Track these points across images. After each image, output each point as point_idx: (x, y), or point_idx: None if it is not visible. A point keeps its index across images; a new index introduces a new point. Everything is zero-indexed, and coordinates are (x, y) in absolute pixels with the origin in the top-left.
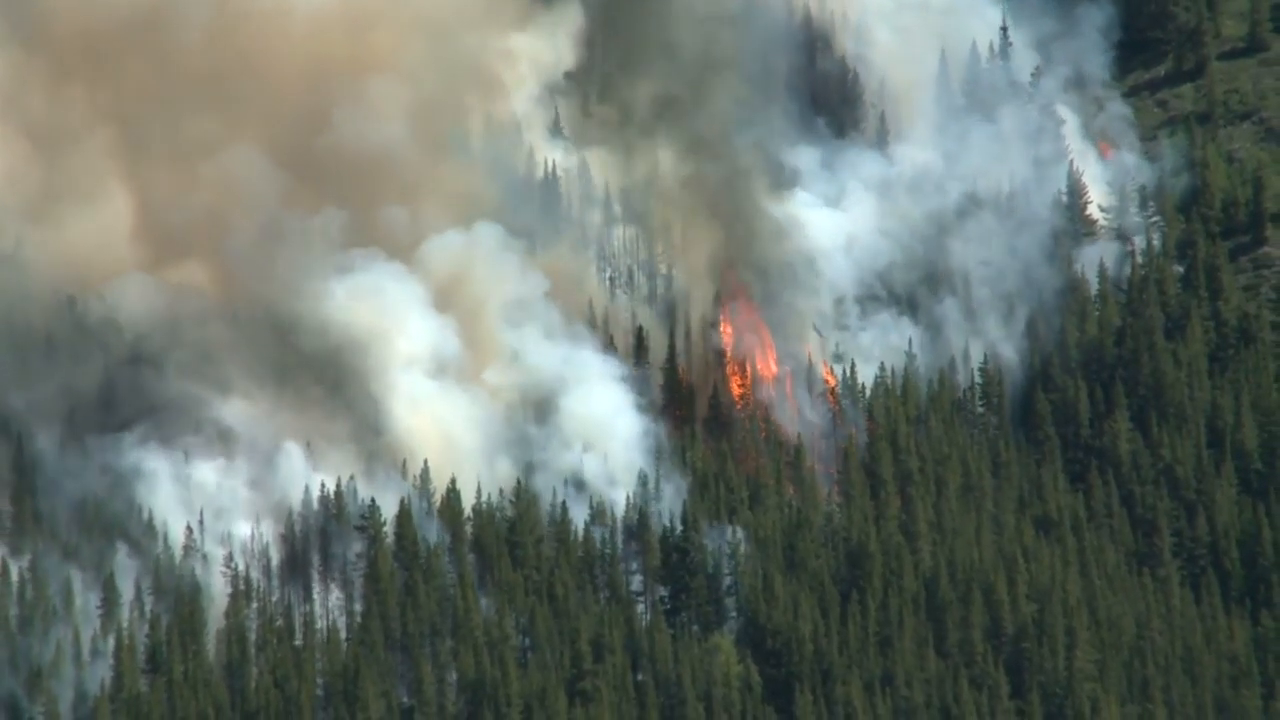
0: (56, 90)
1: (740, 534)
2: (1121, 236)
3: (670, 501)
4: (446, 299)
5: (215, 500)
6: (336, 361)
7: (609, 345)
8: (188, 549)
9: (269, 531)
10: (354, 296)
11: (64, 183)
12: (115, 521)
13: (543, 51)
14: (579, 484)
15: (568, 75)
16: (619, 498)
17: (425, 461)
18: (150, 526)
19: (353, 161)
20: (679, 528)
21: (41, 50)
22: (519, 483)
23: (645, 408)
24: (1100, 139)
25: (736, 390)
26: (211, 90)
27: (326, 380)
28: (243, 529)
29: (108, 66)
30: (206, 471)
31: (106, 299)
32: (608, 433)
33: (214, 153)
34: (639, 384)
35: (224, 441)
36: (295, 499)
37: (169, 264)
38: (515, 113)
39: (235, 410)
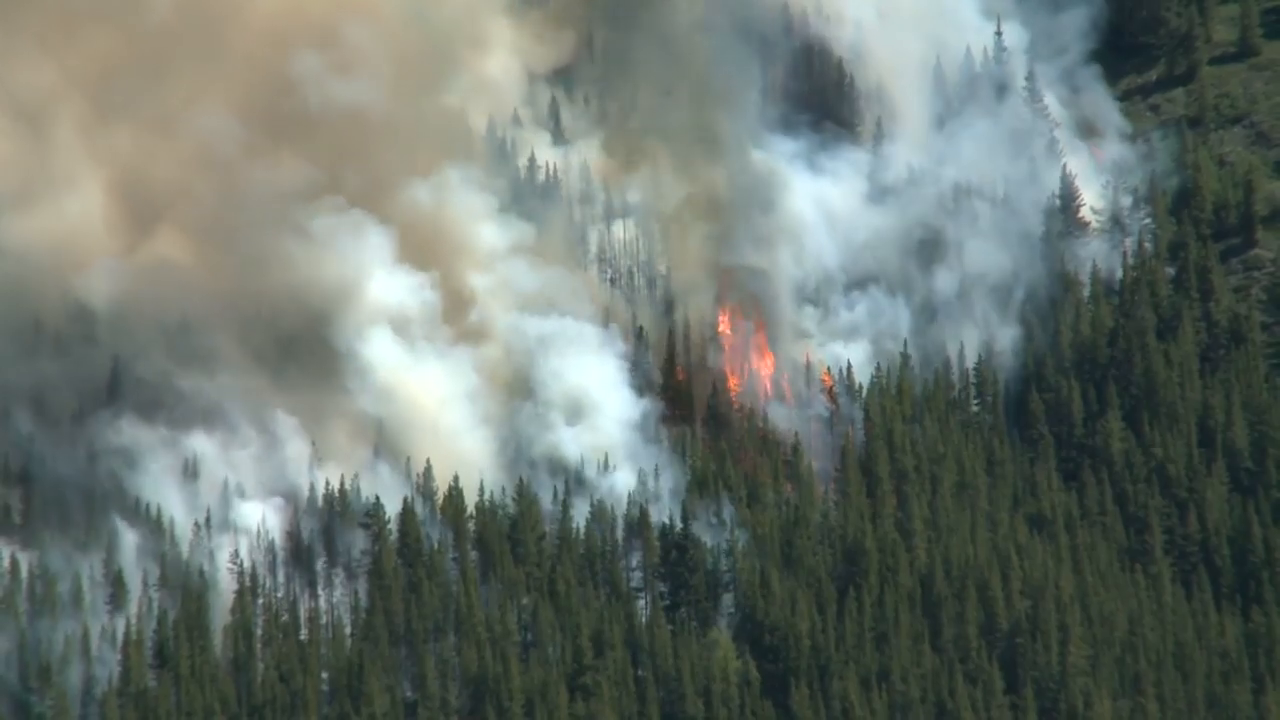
0: (32, 65)
1: (738, 531)
2: (1114, 238)
3: (668, 494)
4: (434, 258)
5: (215, 478)
6: (327, 331)
7: (607, 323)
8: (194, 545)
9: (274, 527)
10: (339, 261)
11: (41, 163)
12: (120, 512)
13: (530, 41)
14: (578, 474)
15: (559, 71)
16: (618, 481)
17: (428, 461)
18: (158, 523)
19: (343, 123)
20: (678, 525)
21: (15, 24)
22: (521, 481)
23: (644, 389)
24: (1092, 142)
25: (734, 389)
26: (188, 54)
27: (316, 352)
28: (245, 510)
29: (82, 35)
30: (205, 451)
31: (91, 283)
32: (606, 412)
33: (193, 121)
34: (637, 366)
35: (218, 422)
36: (294, 475)
37: (149, 241)
38: (501, 81)
39: (228, 390)
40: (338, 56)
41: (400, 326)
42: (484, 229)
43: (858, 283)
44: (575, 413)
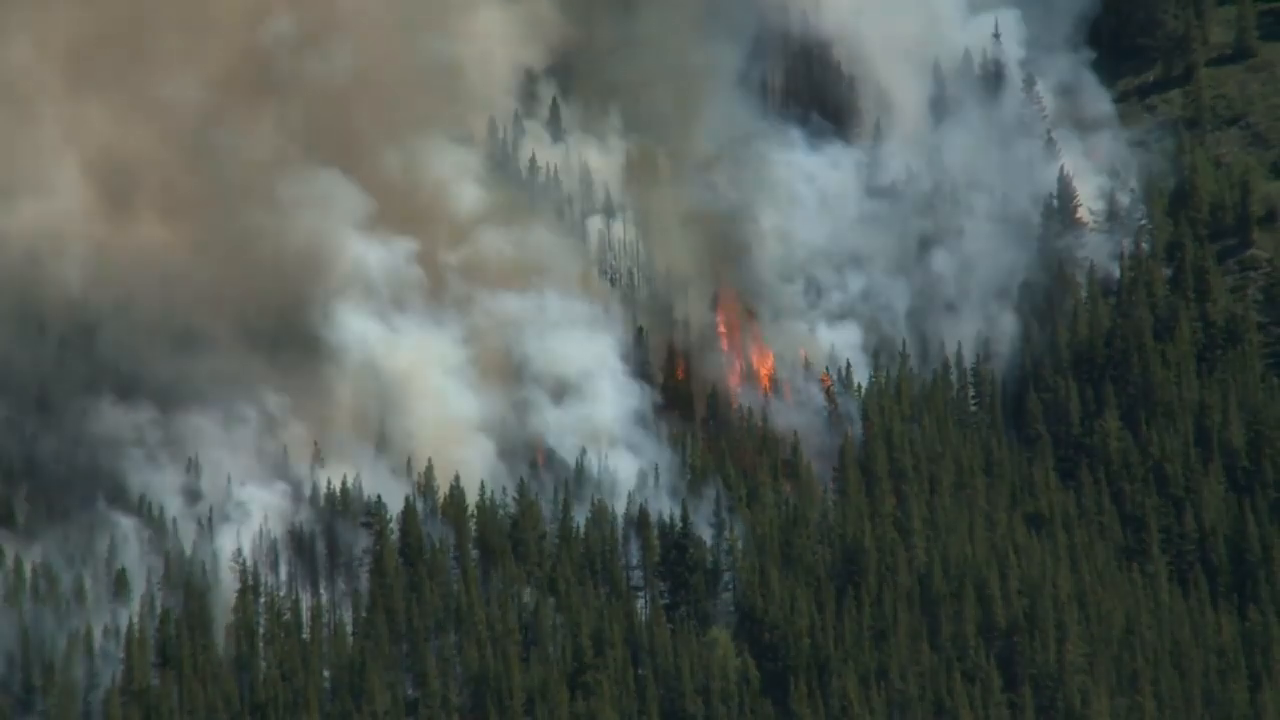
0: (7, 43)
1: (737, 530)
2: (1111, 238)
3: (668, 493)
4: (425, 234)
5: (215, 467)
6: (323, 310)
7: (607, 310)
8: (197, 544)
9: (276, 523)
10: (332, 238)
11: (18, 145)
12: (121, 507)
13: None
14: (579, 465)
15: (550, 69)
16: (619, 470)
17: (430, 460)
18: (160, 520)
19: (339, 94)
20: (678, 524)
21: None
22: (522, 481)
23: (643, 384)
24: (1090, 142)
25: (734, 388)
26: (168, 24)
27: (312, 332)
28: (246, 496)
29: (58, 9)
30: (205, 440)
31: (81, 272)
32: (605, 398)
33: (173, 95)
34: (637, 364)
35: (216, 410)
36: (294, 461)
37: (132, 224)
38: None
39: (223, 376)
40: (319, 22)
41: (391, 303)
42: (476, 204)
43: (851, 264)
44: (574, 396)
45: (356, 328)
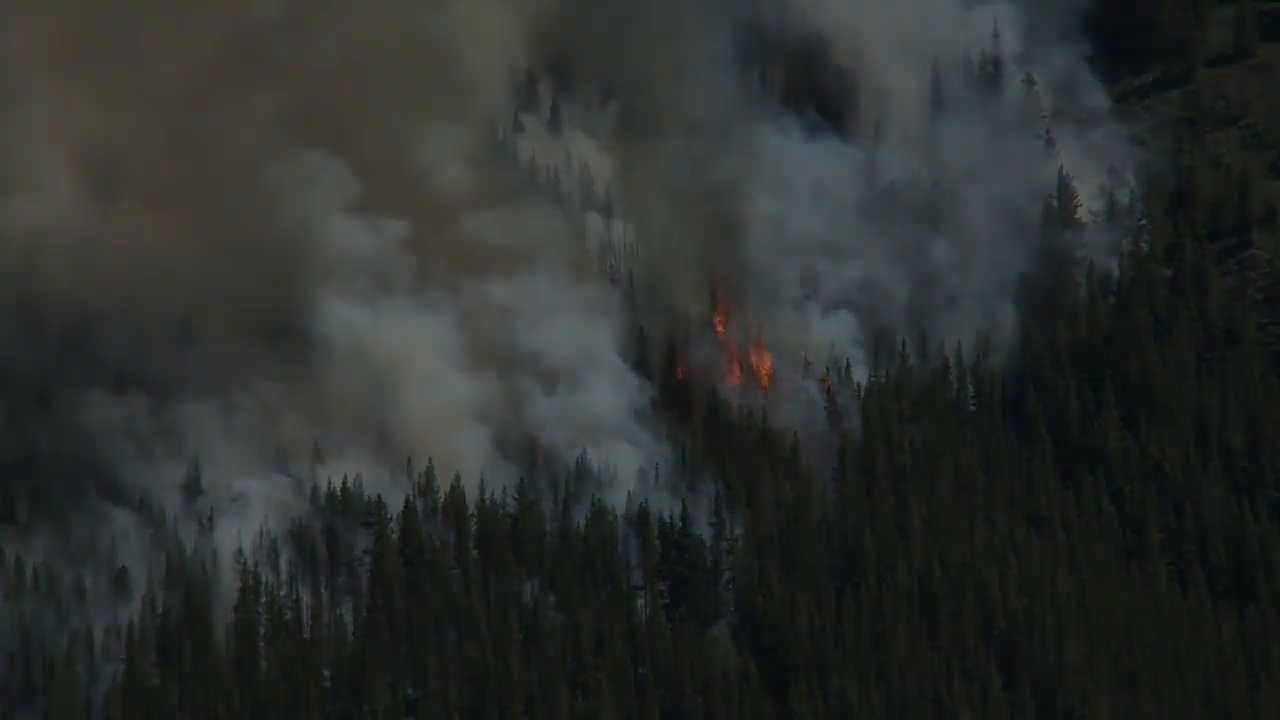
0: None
1: (738, 530)
2: (1110, 239)
3: (668, 492)
4: (422, 220)
5: (216, 463)
6: (322, 299)
7: (606, 307)
8: (198, 543)
9: (276, 521)
10: (329, 225)
11: (7, 138)
12: (120, 504)
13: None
14: (579, 461)
15: (544, 54)
16: (619, 465)
17: (430, 461)
18: (161, 518)
19: (329, 76)
20: (678, 524)
21: None
22: (522, 480)
23: (643, 383)
24: (1089, 144)
25: (732, 386)
26: (156, 8)
27: (311, 322)
28: (247, 487)
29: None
30: (203, 435)
31: (76, 266)
32: (605, 394)
33: (162, 82)
34: (636, 362)
35: (214, 405)
36: (294, 455)
37: (123, 216)
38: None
39: (219, 369)
40: (310, 4)
41: (381, 288)
42: (468, 188)
43: (848, 254)
44: (569, 385)
45: (348, 314)
